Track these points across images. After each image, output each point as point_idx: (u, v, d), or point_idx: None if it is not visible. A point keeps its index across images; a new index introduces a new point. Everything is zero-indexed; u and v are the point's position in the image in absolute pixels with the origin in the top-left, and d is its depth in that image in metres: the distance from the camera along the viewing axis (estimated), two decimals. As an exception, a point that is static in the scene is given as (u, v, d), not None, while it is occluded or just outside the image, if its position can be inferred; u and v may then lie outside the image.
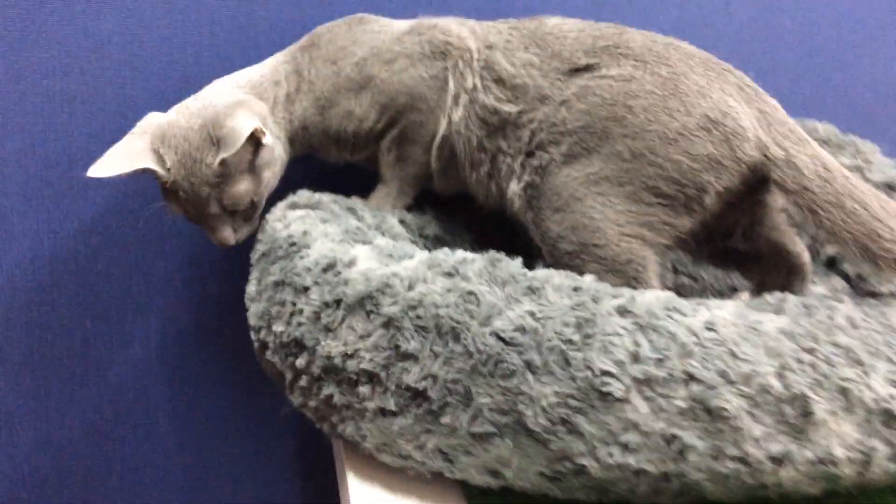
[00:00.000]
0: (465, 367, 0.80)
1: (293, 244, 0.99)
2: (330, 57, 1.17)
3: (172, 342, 1.42)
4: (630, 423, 0.77)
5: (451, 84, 1.12)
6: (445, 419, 0.81)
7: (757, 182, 1.00)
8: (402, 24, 1.20)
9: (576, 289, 0.84)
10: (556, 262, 1.02)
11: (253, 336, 1.02)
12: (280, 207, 1.09)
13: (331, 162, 1.23)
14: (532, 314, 0.81)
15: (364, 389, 0.85)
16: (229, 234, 1.10)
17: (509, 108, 1.08)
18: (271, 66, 1.19)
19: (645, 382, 0.78)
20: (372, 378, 0.84)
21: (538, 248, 1.07)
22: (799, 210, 0.95)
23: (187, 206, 1.08)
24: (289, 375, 0.94)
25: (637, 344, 0.79)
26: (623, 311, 0.82)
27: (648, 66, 1.01)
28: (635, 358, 0.79)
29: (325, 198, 1.12)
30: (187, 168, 1.04)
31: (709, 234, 1.05)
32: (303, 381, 0.92)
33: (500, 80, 1.09)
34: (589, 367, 0.78)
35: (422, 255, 0.91)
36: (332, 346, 0.87)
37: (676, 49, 1.05)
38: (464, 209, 1.28)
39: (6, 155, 1.28)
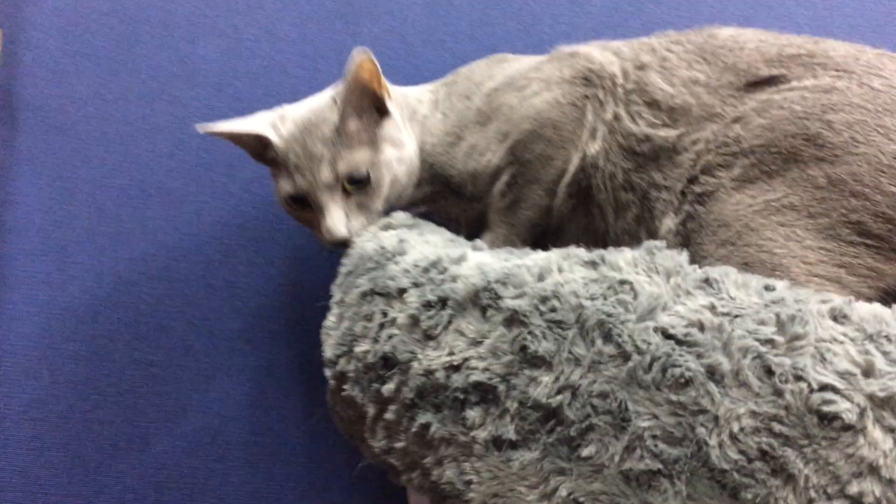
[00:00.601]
0: (618, 374, 0.57)
1: (385, 252, 0.80)
2: (465, 92, 1.05)
3: (229, 415, 1.22)
4: (866, 464, 0.53)
5: (589, 116, 0.95)
6: (588, 451, 0.57)
7: None
8: (542, 57, 1.07)
9: (768, 287, 0.62)
10: None
11: (328, 373, 0.82)
12: (371, 230, 0.91)
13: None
14: (712, 308, 0.59)
15: (474, 413, 0.63)
16: (341, 220, 0.93)
17: (665, 133, 0.89)
18: (414, 90, 1.09)
19: (886, 405, 0.54)
20: (486, 395, 0.62)
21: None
22: None
23: (298, 175, 0.94)
24: (371, 410, 0.73)
25: (867, 353, 0.56)
26: (839, 316, 0.60)
27: (856, 77, 0.82)
28: (868, 371, 0.55)
29: (424, 221, 0.94)
30: (305, 130, 0.95)
31: None
32: (390, 413, 0.70)
33: (653, 103, 0.92)
34: (801, 378, 0.54)
35: (551, 252, 0.70)
36: (432, 358, 0.66)
37: (892, 59, 0.85)
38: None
39: (78, 184, 1.17)
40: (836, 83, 0.82)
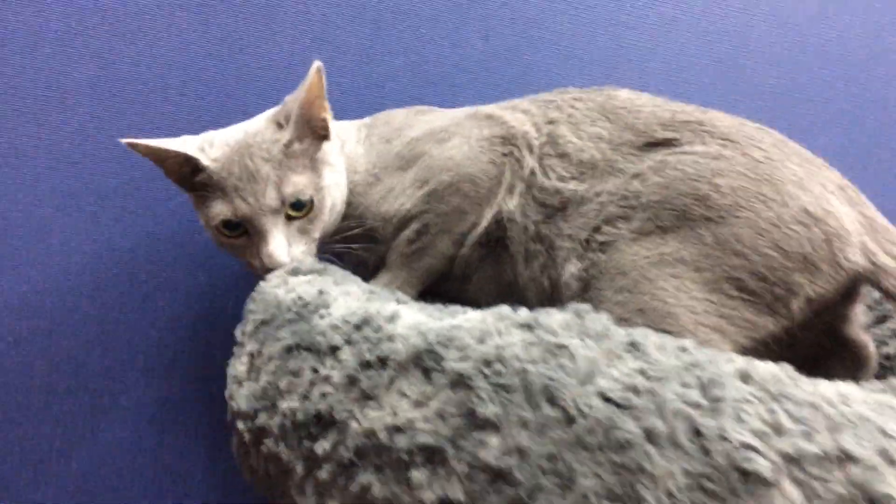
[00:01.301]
0: (564, 437, 0.61)
1: (306, 305, 0.80)
2: (385, 136, 1.08)
3: (99, 461, 1.15)
4: (780, 513, 0.59)
5: (507, 174, 1.00)
6: (536, 510, 0.61)
7: (851, 290, 0.89)
8: (460, 111, 1.10)
9: (682, 349, 0.69)
10: None
11: (242, 426, 0.80)
12: (277, 275, 0.91)
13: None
14: (642, 372, 0.64)
15: (419, 475, 0.64)
16: (283, 246, 0.92)
17: (574, 187, 0.96)
18: (340, 123, 1.11)
19: (795, 461, 0.61)
20: (433, 457, 0.64)
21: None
22: None
23: (238, 199, 0.92)
24: (300, 469, 0.73)
25: (773, 412, 0.63)
26: (745, 377, 0.66)
27: (739, 147, 0.91)
28: (778, 430, 0.62)
29: (331, 266, 0.95)
30: (244, 152, 0.93)
31: (790, 342, 0.91)
32: (324, 473, 0.70)
33: (564, 155, 0.98)
34: (725, 438, 0.61)
35: (481, 312, 0.73)
36: (373, 418, 0.67)
37: (769, 134, 0.95)
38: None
39: None
40: (723, 151, 0.90)
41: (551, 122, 1.00)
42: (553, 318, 0.69)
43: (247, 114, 1.04)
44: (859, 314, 0.98)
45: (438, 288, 1.04)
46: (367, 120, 1.13)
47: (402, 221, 1.00)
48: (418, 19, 1.30)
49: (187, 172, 0.95)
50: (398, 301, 0.80)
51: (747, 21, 1.48)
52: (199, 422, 1.19)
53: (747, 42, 1.49)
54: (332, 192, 0.98)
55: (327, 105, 0.98)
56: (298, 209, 0.95)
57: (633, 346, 0.67)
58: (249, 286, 0.91)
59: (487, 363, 0.65)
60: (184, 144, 0.95)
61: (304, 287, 0.83)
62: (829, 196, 0.88)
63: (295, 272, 0.90)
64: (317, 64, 0.94)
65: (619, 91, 1.03)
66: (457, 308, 0.77)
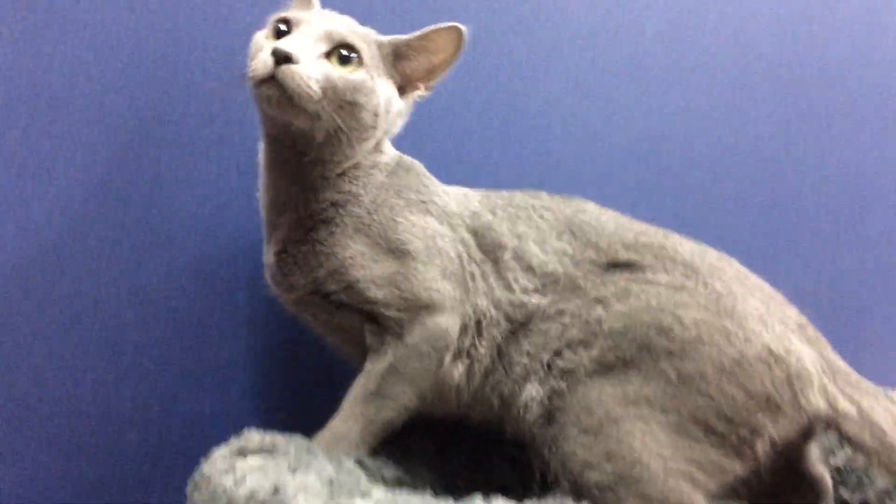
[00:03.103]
0: None
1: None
2: (395, 184, 0.98)
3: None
4: None
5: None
6: None
7: (811, 431, 0.88)
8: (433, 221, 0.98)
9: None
10: (579, 494, 0.82)
11: None
12: (222, 455, 0.83)
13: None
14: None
15: None
16: (304, 45, 0.87)
17: (538, 301, 0.93)
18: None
19: None
20: None
21: (545, 475, 0.89)
22: (868, 461, 0.86)
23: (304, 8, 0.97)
24: None
25: None
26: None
27: (701, 277, 0.90)
28: None
29: (279, 439, 0.87)
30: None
31: (759, 484, 0.87)
32: None
33: (530, 269, 0.95)
34: None
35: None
36: None
37: (731, 264, 0.95)
38: (420, 445, 1.05)
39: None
40: (686, 282, 0.90)
41: (519, 237, 0.98)
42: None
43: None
44: (815, 448, 0.98)
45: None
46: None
47: (363, 302, 0.92)
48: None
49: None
50: (363, 495, 0.73)
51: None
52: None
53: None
54: (376, 98, 0.92)
55: (433, 84, 0.98)
56: (344, 62, 0.90)
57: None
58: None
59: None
60: None
61: (256, 477, 0.76)
62: (790, 335, 0.87)
63: (242, 451, 0.83)
64: (460, 28, 0.94)
65: (587, 205, 1.02)
66: (427, 500, 0.72)
